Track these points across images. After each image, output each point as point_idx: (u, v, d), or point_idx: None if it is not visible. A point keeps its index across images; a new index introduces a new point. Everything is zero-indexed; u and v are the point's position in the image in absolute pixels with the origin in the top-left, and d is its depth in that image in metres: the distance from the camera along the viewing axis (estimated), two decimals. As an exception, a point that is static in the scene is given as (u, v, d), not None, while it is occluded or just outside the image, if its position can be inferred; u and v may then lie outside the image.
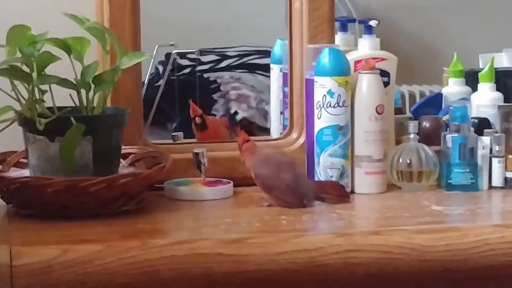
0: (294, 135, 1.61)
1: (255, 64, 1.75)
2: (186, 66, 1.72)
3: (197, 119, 1.64)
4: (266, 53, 1.73)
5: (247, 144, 1.46)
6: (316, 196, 1.44)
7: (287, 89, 1.63)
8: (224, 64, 1.74)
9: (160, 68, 1.70)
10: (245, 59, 1.75)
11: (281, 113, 1.66)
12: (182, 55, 1.70)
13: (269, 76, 1.70)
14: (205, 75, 1.73)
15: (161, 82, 1.67)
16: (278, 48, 1.67)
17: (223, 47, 1.74)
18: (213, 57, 1.74)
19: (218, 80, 1.73)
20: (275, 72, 1.67)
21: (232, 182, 1.53)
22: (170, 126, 1.70)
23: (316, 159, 1.52)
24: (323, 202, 1.44)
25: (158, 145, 1.57)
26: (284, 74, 1.64)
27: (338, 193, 1.45)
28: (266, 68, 1.72)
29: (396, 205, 1.46)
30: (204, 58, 1.73)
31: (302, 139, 1.58)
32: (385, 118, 1.52)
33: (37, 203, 1.37)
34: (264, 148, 1.48)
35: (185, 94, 1.70)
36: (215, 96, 1.72)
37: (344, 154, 1.51)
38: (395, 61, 1.58)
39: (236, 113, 1.72)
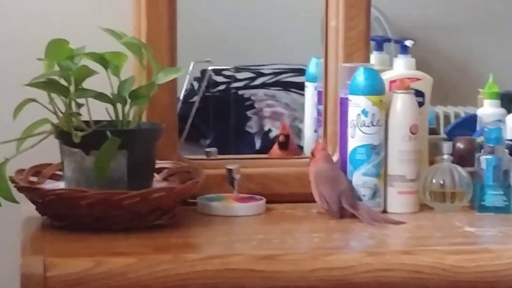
0: (327, 153, 1.62)
1: (289, 82, 1.76)
2: (221, 83, 1.74)
3: (281, 138, 1.66)
4: (301, 71, 1.74)
5: (322, 152, 1.51)
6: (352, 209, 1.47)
7: (321, 107, 1.64)
8: (258, 81, 1.76)
9: (195, 85, 1.71)
10: (280, 77, 1.76)
11: (315, 131, 1.67)
12: (218, 72, 1.72)
13: (303, 94, 1.71)
14: (240, 92, 1.74)
15: (196, 98, 1.69)
16: (313, 66, 1.68)
17: (258, 65, 1.76)
18: (248, 74, 1.75)
19: (253, 97, 1.75)
20: (310, 90, 1.68)
21: (264, 199, 1.54)
22: (203, 142, 1.71)
23: (349, 178, 1.53)
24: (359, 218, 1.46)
25: (191, 161, 1.58)
26: (319, 92, 1.65)
27: (374, 218, 1.47)
28: (300, 86, 1.73)
29: (428, 225, 1.46)
30: (239, 75, 1.74)
31: (335, 158, 1.59)
32: (419, 138, 1.52)
33: (71, 215, 1.38)
34: (332, 162, 1.53)
35: (220, 111, 1.72)
36: (249, 113, 1.74)
37: (377, 173, 1.52)
38: (430, 81, 1.58)
39: (269, 130, 1.73)
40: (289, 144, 1.66)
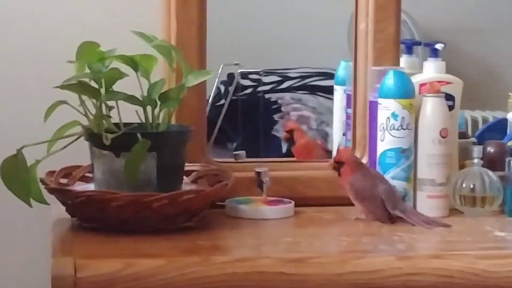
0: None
1: (316, 85, 1.76)
2: (248, 87, 1.74)
3: (285, 135, 1.67)
4: (328, 75, 1.74)
5: (350, 158, 1.48)
6: (408, 212, 1.45)
7: (350, 111, 1.64)
8: (285, 85, 1.76)
9: (222, 88, 1.72)
10: (307, 80, 1.76)
11: (344, 134, 1.67)
12: (244, 76, 1.72)
13: (330, 98, 1.71)
14: (267, 96, 1.74)
15: (223, 102, 1.69)
16: (342, 69, 1.68)
17: (285, 68, 1.76)
18: (274, 78, 1.76)
19: (279, 101, 1.75)
20: (339, 93, 1.68)
21: (293, 202, 1.54)
22: (230, 145, 1.71)
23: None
24: (408, 222, 1.45)
25: (220, 163, 1.59)
26: (348, 96, 1.65)
27: (427, 220, 1.45)
28: (327, 90, 1.73)
29: (458, 229, 1.46)
30: (266, 79, 1.75)
31: (364, 161, 1.58)
32: (449, 142, 1.52)
33: (101, 217, 1.39)
34: (364, 167, 1.50)
35: (246, 114, 1.72)
36: (275, 116, 1.74)
37: (407, 177, 1.51)
38: (460, 84, 1.58)
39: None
40: (294, 138, 1.66)
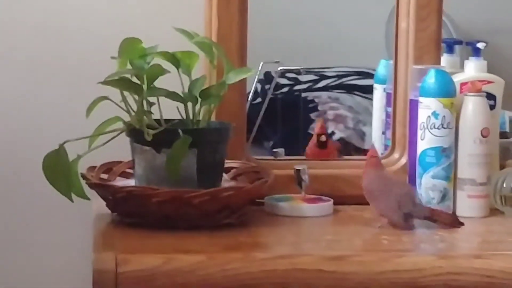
0: (396, 155, 1.61)
1: (353, 85, 1.75)
2: (284, 85, 1.74)
3: (323, 137, 1.65)
4: (365, 75, 1.73)
5: (371, 160, 1.47)
6: (426, 217, 1.43)
7: (390, 109, 1.63)
8: (322, 84, 1.75)
9: (259, 87, 1.71)
10: (343, 79, 1.76)
11: (383, 133, 1.66)
12: (281, 74, 1.72)
13: (367, 98, 1.71)
14: (303, 95, 1.74)
15: (259, 100, 1.69)
16: (382, 68, 1.67)
17: (322, 67, 1.75)
18: (311, 77, 1.75)
19: (316, 100, 1.74)
20: (379, 92, 1.67)
21: (332, 200, 1.54)
22: (267, 144, 1.71)
23: (418, 180, 1.52)
24: (434, 223, 1.43)
25: (260, 161, 1.59)
26: (388, 94, 1.64)
27: (451, 220, 1.44)
28: (364, 89, 1.72)
29: (499, 229, 1.45)
30: (303, 78, 1.74)
31: (404, 160, 1.58)
32: (490, 142, 1.51)
33: (142, 213, 1.39)
34: (384, 168, 1.48)
35: (283, 113, 1.72)
36: (312, 115, 1.73)
37: (447, 176, 1.51)
38: (502, 84, 1.57)
39: (333, 133, 1.72)
40: (328, 143, 1.65)
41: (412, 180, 1.53)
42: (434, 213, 1.44)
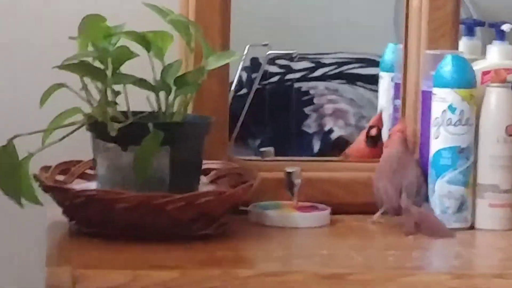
0: (405, 156, 1.62)
1: (355, 74, 1.76)
2: (274, 74, 1.74)
3: (374, 131, 1.64)
4: (369, 62, 1.74)
5: (397, 135, 1.49)
6: (415, 218, 1.46)
7: (398, 102, 1.64)
8: (318, 72, 1.76)
9: (244, 75, 1.72)
10: (344, 67, 1.76)
11: (390, 130, 1.65)
12: (271, 61, 1.73)
13: (371, 89, 1.72)
14: (296, 85, 1.75)
15: (245, 91, 1.70)
16: (390, 53, 1.68)
17: (318, 53, 1.76)
18: (306, 64, 1.75)
19: (311, 91, 1.75)
20: (385, 81, 1.68)
21: (329, 209, 1.55)
22: (253, 142, 1.72)
23: (430, 186, 1.53)
24: (417, 231, 1.46)
25: (244, 161, 1.60)
26: (396, 85, 1.65)
27: (439, 228, 1.47)
28: (368, 79, 1.73)
29: (524, 244, 1.47)
30: (296, 65, 1.75)
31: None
32: (515, 141, 1.53)
33: (104, 221, 1.40)
34: (406, 148, 1.50)
35: (272, 106, 1.73)
36: (306, 110, 1.74)
37: (465, 182, 1.52)
38: (530, 73, 1.58)
39: (330, 131, 1.73)
40: (380, 140, 1.63)
41: (425, 180, 1.54)
42: (425, 217, 1.47)
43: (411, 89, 1.61)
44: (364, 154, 1.64)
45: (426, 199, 1.53)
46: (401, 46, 1.63)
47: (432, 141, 1.53)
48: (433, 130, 1.53)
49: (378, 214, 1.49)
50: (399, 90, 1.64)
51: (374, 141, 1.64)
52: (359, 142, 1.66)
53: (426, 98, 1.55)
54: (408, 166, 1.49)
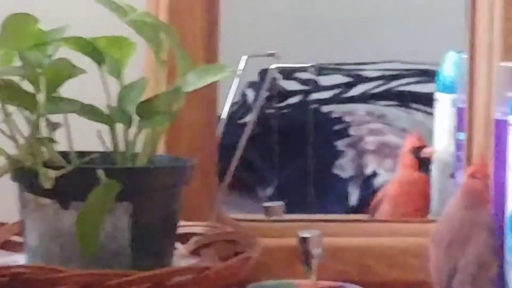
0: (472, 211, 1.62)
1: (409, 92, 1.81)
2: (293, 93, 1.78)
3: (424, 152, 1.70)
4: (428, 75, 1.78)
5: (468, 182, 1.51)
6: None
7: (463, 136, 1.65)
8: (357, 90, 1.80)
9: (250, 95, 1.76)
10: (393, 83, 1.81)
11: (452, 175, 1.69)
12: (287, 74, 1.75)
13: (432, 113, 1.74)
14: (325, 109, 1.78)
15: (250, 119, 1.71)
16: (450, 66, 1.70)
17: (356, 63, 1.80)
18: (339, 79, 1.80)
19: (347, 118, 1.79)
20: (444, 106, 1.71)
21: (362, 290, 1.57)
22: (261, 191, 1.76)
23: (508, 255, 1.51)
24: None
25: (240, 222, 1.62)
26: (459, 110, 1.67)
27: None
28: (428, 101, 1.75)
29: None
30: (324, 80, 1.78)
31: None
32: None
33: (37, 310, 1.41)
34: (476, 205, 1.51)
35: (289, 140, 1.76)
36: (340, 144, 1.77)
37: (558, 250, 1.51)
38: None
39: (375, 174, 1.77)
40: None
41: (498, 254, 1.53)
42: None
43: (480, 117, 1.64)
44: (419, 179, 1.70)
45: (501, 278, 1.51)
46: (466, 57, 1.65)
47: (509, 189, 1.51)
48: (510, 174, 1.50)
49: None
50: (463, 119, 1.65)
51: (426, 164, 1.70)
52: (406, 171, 1.72)
53: (501, 128, 1.53)
54: (474, 235, 1.48)
